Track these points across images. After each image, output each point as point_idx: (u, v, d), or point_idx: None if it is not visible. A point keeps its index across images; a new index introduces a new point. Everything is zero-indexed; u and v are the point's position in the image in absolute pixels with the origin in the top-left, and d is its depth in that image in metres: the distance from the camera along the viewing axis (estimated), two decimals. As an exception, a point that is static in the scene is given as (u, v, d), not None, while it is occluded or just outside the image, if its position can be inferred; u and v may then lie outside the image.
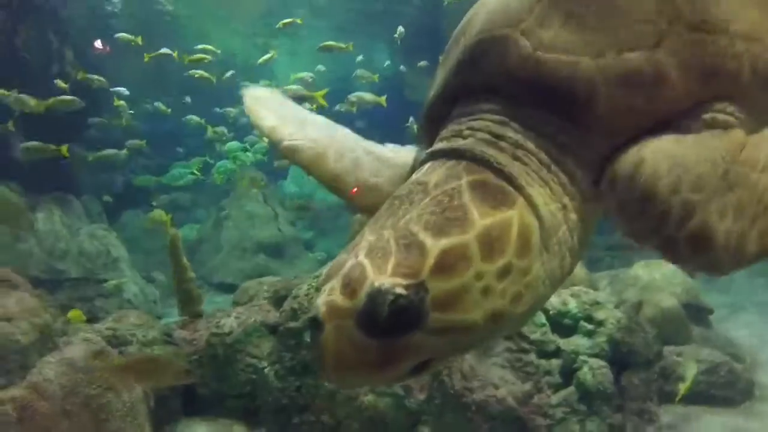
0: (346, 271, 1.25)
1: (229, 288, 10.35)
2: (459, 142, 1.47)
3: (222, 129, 13.27)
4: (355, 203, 1.98)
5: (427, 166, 1.48)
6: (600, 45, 1.39)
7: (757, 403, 6.11)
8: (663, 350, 6.05)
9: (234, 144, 13.40)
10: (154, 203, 9.45)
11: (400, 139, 2.26)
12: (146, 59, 11.34)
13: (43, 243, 9.65)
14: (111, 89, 11.52)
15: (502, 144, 1.43)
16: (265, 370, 5.38)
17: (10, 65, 9.12)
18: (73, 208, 10.88)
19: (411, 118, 13.88)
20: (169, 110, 13.68)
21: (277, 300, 6.05)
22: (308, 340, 5.19)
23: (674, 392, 5.87)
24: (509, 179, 1.37)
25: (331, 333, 1.21)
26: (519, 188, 1.37)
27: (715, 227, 1.30)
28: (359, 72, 12.98)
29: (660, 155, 1.32)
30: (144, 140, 12.64)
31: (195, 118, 13.23)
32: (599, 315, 5.58)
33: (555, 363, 5.44)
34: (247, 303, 6.34)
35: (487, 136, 1.45)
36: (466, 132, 1.49)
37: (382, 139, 2.21)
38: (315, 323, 1.25)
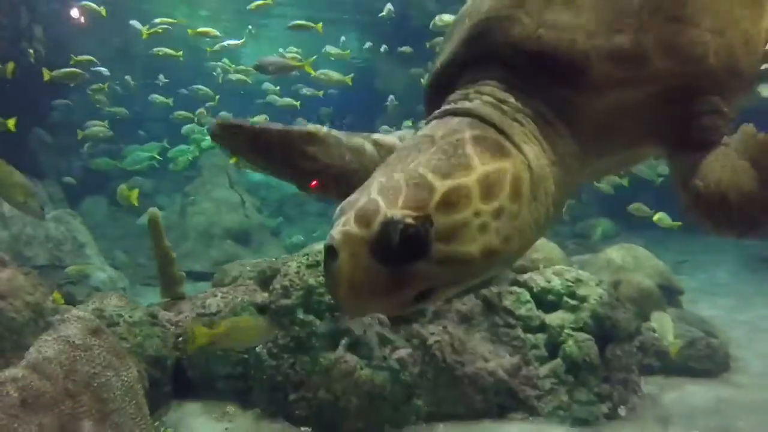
0: (361, 205, 1.39)
1: (198, 276, 10.23)
2: (465, 104, 1.68)
3: (189, 113, 13.09)
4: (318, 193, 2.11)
5: (434, 122, 1.68)
6: (593, 26, 1.65)
7: (733, 375, 6.44)
8: (641, 326, 6.31)
9: (192, 126, 13.24)
10: (124, 186, 9.29)
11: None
12: (145, 35, 11.07)
13: (10, 228, 9.39)
14: (93, 69, 11.22)
15: (504, 107, 1.65)
16: (257, 349, 5.39)
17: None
18: (39, 193, 10.57)
19: (391, 97, 13.86)
20: (170, 100, 13.41)
21: (263, 280, 6.06)
22: (301, 317, 5.24)
23: (653, 365, 6.15)
24: (507, 136, 1.58)
25: (346, 260, 1.34)
26: (515, 144, 1.58)
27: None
28: (328, 48, 12.67)
29: (725, 180, 1.61)
30: (105, 122, 12.34)
31: (160, 97, 13.00)
32: (582, 291, 5.80)
33: (540, 337, 5.63)
34: (231, 284, 6.33)
35: (492, 100, 1.66)
36: (473, 95, 1.70)
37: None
38: (329, 252, 1.36)
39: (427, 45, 10.51)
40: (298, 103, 13.45)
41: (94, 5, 11.24)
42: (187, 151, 13.58)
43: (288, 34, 12.25)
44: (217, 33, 11.84)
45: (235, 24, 16.54)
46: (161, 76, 14.64)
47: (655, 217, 8.39)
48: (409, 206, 1.36)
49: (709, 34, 1.69)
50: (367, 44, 13.70)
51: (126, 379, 4.59)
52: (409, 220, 1.34)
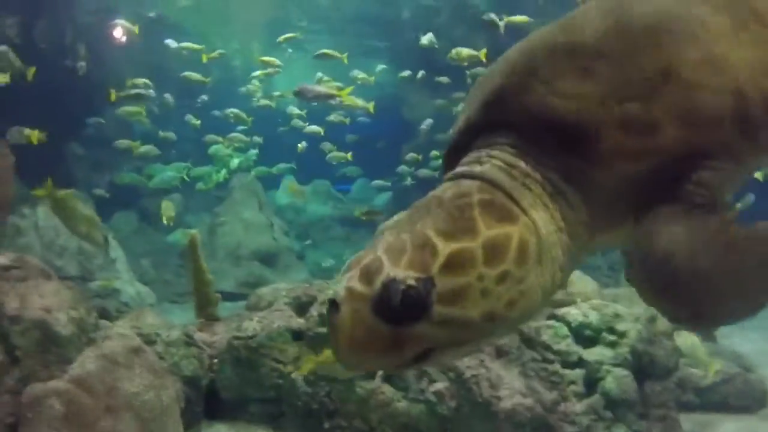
0: (366, 262, 1.45)
1: (225, 296, 10.25)
2: (476, 168, 1.71)
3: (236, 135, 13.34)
4: None
5: (445, 184, 1.73)
6: (604, 95, 1.64)
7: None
8: (679, 362, 6.22)
9: (219, 147, 13.41)
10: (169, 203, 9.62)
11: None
12: (204, 59, 11.33)
13: (43, 238, 9.51)
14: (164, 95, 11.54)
15: (514, 172, 1.67)
16: (292, 375, 5.37)
17: (26, 57, 9.07)
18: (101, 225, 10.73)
19: (428, 120, 13.80)
20: (198, 122, 13.61)
21: (299, 306, 6.05)
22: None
23: (692, 402, 6.07)
24: (516, 201, 1.61)
25: (347, 314, 1.39)
26: (523, 209, 1.60)
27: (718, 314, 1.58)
28: (355, 72, 12.77)
29: (681, 249, 1.54)
30: (138, 141, 12.56)
31: (194, 119, 13.21)
32: (620, 326, 5.72)
33: (578, 373, 5.55)
34: (266, 308, 6.33)
35: (502, 164, 1.69)
36: (485, 159, 1.73)
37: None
38: (333, 306, 1.43)
39: (468, 74, 10.56)
40: (322, 130, 13.62)
41: (128, 24, 11.46)
42: (210, 172, 13.78)
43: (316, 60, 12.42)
44: (279, 63, 12.03)
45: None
46: (204, 97, 14.88)
47: None
48: (413, 267, 1.41)
49: (724, 97, 1.66)
50: (406, 72, 13.78)
51: (165, 398, 4.60)
52: (411, 282, 1.38)
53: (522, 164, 1.68)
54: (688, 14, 1.72)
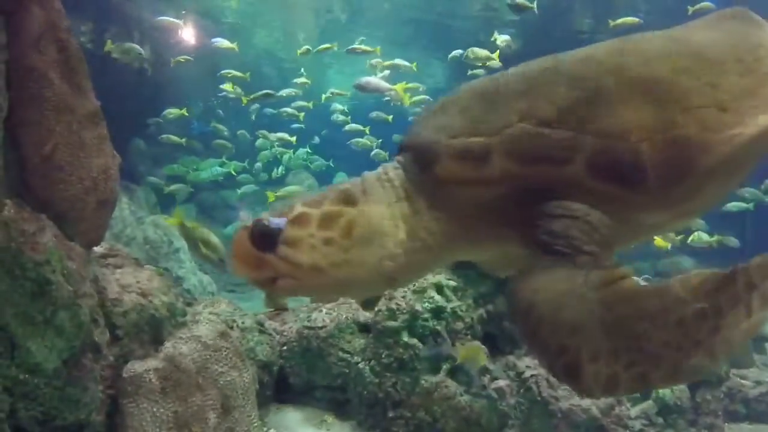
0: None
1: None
2: (365, 173, 2.16)
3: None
4: None
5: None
6: (459, 130, 1.99)
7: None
8: (730, 371, 6.35)
9: (264, 142, 13.89)
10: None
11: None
12: (244, 102, 11.77)
13: (112, 229, 9.98)
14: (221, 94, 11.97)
15: (383, 178, 2.09)
16: (359, 365, 5.67)
17: (97, 59, 9.56)
18: (137, 198, 11.25)
19: None
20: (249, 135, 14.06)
21: (365, 300, 6.35)
22: (405, 339, 5.50)
23: (739, 412, 6.19)
24: (367, 195, 2.02)
25: (237, 236, 1.95)
26: (369, 202, 2.01)
27: (584, 367, 1.56)
28: (397, 61, 12.34)
29: (545, 304, 1.66)
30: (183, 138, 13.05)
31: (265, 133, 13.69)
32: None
33: (634, 378, 5.74)
34: (333, 301, 6.65)
35: (381, 172, 2.11)
36: (379, 168, 2.15)
37: None
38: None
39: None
40: (367, 129, 13.91)
41: (179, 23, 11.87)
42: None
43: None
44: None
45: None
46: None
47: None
48: (276, 216, 1.95)
49: (568, 138, 1.87)
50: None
51: (245, 380, 4.93)
52: (266, 223, 1.91)
53: (392, 174, 2.08)
54: (544, 75, 2.02)
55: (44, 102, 3.30)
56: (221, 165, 14.57)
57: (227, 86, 12.51)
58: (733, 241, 11.09)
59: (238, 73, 12.68)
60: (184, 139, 12.91)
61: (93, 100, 3.67)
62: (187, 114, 12.83)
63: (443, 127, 2.02)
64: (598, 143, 1.85)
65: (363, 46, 11.87)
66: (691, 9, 9.94)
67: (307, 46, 12.80)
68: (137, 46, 8.96)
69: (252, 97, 11.43)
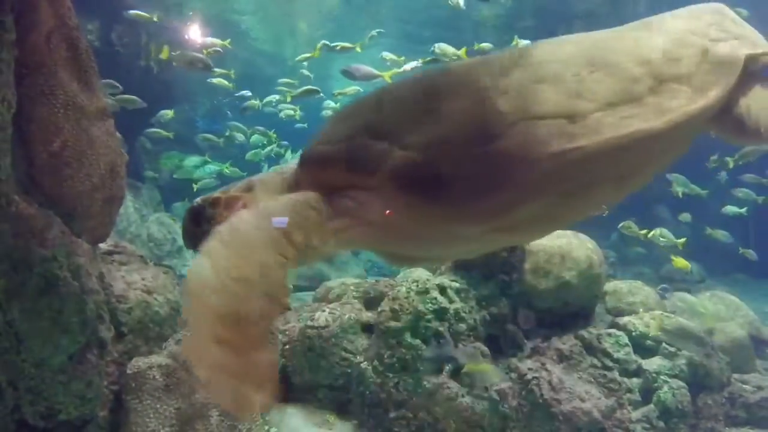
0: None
1: (285, 287, 10.65)
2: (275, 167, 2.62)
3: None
4: None
5: None
6: (323, 137, 2.26)
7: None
8: (732, 376, 6.36)
9: (259, 138, 13.89)
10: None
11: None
12: (289, 99, 11.68)
13: (117, 225, 9.98)
14: (240, 93, 11.96)
15: (280, 170, 2.45)
16: (362, 365, 5.68)
17: (105, 57, 9.60)
18: (141, 195, 11.27)
19: None
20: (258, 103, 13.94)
21: (367, 300, 6.38)
22: (408, 340, 5.51)
23: (740, 417, 6.19)
24: (263, 185, 2.37)
25: (185, 216, 2.34)
26: (260, 189, 2.36)
27: None
28: (384, 54, 11.76)
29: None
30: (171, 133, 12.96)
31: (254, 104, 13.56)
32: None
33: (636, 382, 5.76)
34: (335, 301, 6.67)
35: (283, 166, 2.47)
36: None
37: None
38: None
39: None
40: None
41: (217, 40, 11.83)
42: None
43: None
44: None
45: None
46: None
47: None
48: (207, 202, 2.30)
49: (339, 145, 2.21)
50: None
51: (248, 378, 4.94)
52: (196, 204, 2.30)
53: (286, 168, 2.41)
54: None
55: (53, 99, 3.32)
56: (204, 162, 14.64)
57: (217, 81, 12.41)
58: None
59: (223, 70, 12.57)
60: (171, 134, 12.81)
61: (101, 97, 3.70)
62: (174, 115, 12.75)
63: (323, 132, 2.30)
64: (403, 156, 1.99)
65: (343, 43, 11.73)
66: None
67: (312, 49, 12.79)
68: (203, 57, 8.87)
69: (297, 92, 11.26)
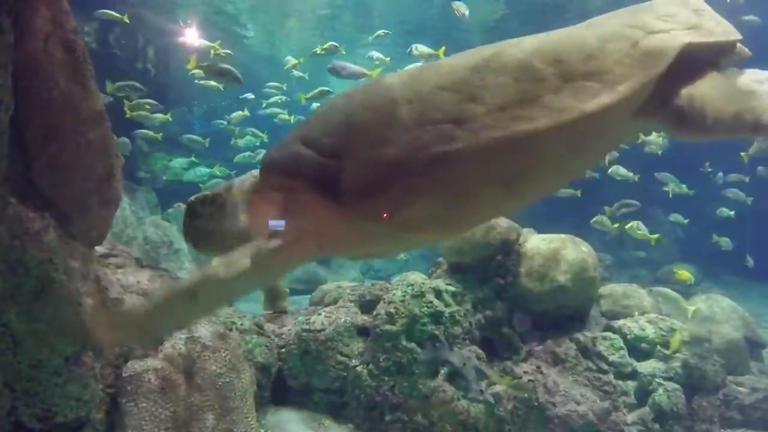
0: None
1: (281, 291, 10.64)
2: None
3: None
4: None
5: None
6: (278, 145, 2.46)
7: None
8: (726, 378, 6.37)
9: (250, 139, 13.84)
10: None
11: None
12: (303, 101, 11.55)
13: (113, 228, 9.98)
14: (242, 96, 11.93)
15: (254, 173, 2.64)
16: (358, 369, 5.69)
17: (102, 59, 9.62)
18: (138, 198, 11.26)
19: None
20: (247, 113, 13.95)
21: (363, 304, 6.38)
22: (404, 343, 5.52)
23: (735, 418, 6.21)
24: (240, 184, 2.66)
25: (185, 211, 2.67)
26: (237, 189, 2.65)
27: None
28: (373, 53, 11.68)
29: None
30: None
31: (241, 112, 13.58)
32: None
33: (631, 384, 5.78)
34: (331, 304, 6.68)
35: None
36: None
37: None
38: None
39: None
40: None
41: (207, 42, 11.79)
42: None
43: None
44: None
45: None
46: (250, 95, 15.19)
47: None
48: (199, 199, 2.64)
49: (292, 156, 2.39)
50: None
51: (244, 381, 4.95)
52: (190, 202, 2.63)
53: (257, 172, 2.57)
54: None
55: (51, 102, 3.33)
56: (190, 164, 14.69)
57: (204, 82, 12.35)
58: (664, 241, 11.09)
59: (214, 83, 12.49)
60: (160, 135, 12.77)
61: (98, 100, 3.70)
62: (171, 119, 12.70)
63: (281, 139, 2.48)
64: (320, 162, 2.21)
65: (326, 45, 11.65)
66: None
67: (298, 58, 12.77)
68: (233, 69, 8.87)
69: (310, 95, 11.22)
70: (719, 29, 2.22)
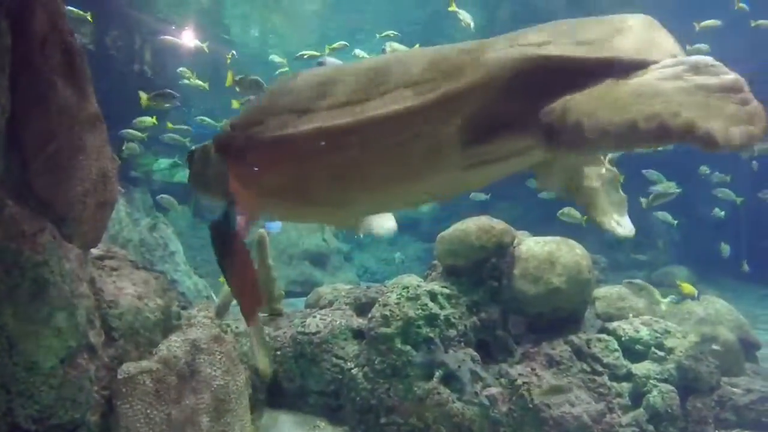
0: None
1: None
2: None
3: None
4: None
5: None
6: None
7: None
8: (721, 380, 6.39)
9: None
10: None
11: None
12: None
13: (109, 230, 9.98)
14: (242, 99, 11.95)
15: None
16: (353, 371, 5.70)
17: (98, 61, 9.62)
18: (134, 200, 11.26)
19: None
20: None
21: (359, 307, 6.40)
22: (399, 346, 5.53)
23: (729, 419, 6.25)
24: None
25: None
26: None
27: None
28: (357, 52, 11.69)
29: None
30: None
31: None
32: (669, 343, 5.95)
33: (626, 386, 5.79)
34: (327, 307, 6.69)
35: None
36: None
37: None
38: None
39: None
40: None
41: (199, 43, 11.78)
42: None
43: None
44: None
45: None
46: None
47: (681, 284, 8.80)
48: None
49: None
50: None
51: (239, 384, 4.96)
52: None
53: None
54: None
55: (47, 104, 3.34)
56: (175, 164, 14.76)
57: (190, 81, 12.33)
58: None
59: (200, 81, 12.50)
60: (145, 134, 12.76)
61: (94, 103, 3.72)
62: (157, 123, 12.68)
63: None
64: (227, 135, 2.64)
65: (310, 51, 11.71)
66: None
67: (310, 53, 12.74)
68: (262, 81, 9.10)
69: None
70: (614, 46, 1.91)
